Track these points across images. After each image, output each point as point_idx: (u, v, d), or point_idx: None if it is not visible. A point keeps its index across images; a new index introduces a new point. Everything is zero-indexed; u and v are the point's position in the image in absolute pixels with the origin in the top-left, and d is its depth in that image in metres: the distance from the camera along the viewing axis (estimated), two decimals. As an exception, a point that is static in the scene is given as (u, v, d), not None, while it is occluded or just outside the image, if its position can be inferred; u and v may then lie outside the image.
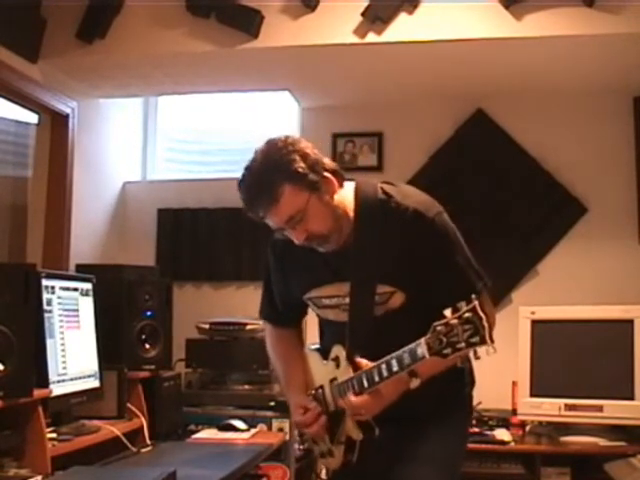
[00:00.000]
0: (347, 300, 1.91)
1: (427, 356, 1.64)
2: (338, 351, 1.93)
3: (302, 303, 2.06)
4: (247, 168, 1.90)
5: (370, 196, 1.89)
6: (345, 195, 1.90)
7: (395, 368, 1.73)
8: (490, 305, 1.89)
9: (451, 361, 1.66)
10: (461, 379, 2.02)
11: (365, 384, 1.81)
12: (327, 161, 1.87)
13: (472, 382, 2.07)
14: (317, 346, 2.12)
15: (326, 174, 1.84)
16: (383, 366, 1.76)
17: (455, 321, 1.59)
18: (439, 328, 1.61)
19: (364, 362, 1.83)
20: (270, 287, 2.14)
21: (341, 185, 1.89)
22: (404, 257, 1.84)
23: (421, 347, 1.65)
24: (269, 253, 2.10)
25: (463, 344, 1.57)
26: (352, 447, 1.92)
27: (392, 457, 1.92)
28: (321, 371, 2.02)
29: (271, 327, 2.20)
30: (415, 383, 1.73)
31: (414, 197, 1.89)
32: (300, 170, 1.79)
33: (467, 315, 1.57)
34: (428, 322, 1.68)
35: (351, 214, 1.89)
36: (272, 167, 1.81)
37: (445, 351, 1.60)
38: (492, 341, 1.56)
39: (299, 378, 2.08)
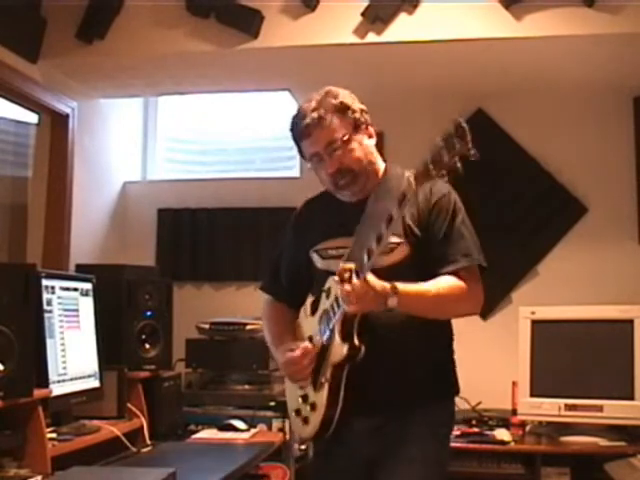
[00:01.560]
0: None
1: (413, 183, 1.68)
2: (332, 281, 1.93)
3: (305, 271, 2.09)
4: (306, 99, 2.05)
5: (398, 170, 2.03)
6: (378, 158, 2.08)
7: (383, 229, 1.75)
8: (479, 282, 1.96)
9: (430, 301, 1.84)
10: (445, 376, 2.04)
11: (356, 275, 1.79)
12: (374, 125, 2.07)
13: (456, 381, 2.08)
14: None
15: (369, 124, 2.04)
16: (370, 242, 1.78)
17: (439, 141, 1.63)
18: (426, 158, 1.66)
19: (351, 265, 1.82)
20: (277, 261, 2.23)
21: (378, 147, 2.06)
22: (415, 220, 1.97)
23: (408, 174, 1.70)
24: (289, 222, 2.27)
25: (446, 157, 1.61)
26: (336, 391, 1.91)
27: (377, 454, 1.95)
28: (309, 325, 2.06)
29: (270, 300, 2.26)
30: (392, 301, 1.79)
31: (435, 181, 1.98)
32: (351, 106, 2.01)
33: (450, 132, 1.63)
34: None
35: (378, 174, 2.05)
36: (329, 97, 2.01)
37: (431, 167, 1.63)
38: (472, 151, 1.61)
39: (289, 337, 2.12)
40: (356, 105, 2.03)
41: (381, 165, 2.08)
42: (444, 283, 1.91)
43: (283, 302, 2.23)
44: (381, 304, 1.81)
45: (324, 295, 1.97)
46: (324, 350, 1.95)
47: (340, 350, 1.88)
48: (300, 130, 2.00)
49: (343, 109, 1.99)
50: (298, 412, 2.06)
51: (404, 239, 1.95)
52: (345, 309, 1.84)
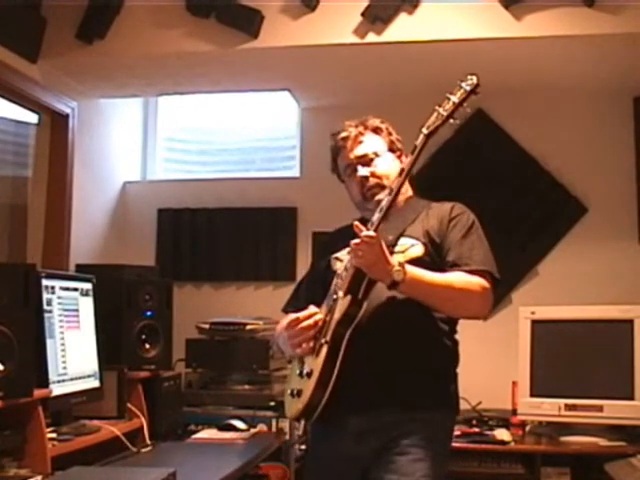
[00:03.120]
0: None
1: (425, 131, 1.93)
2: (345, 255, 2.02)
3: (322, 284, 2.11)
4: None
5: (423, 202, 2.20)
6: (407, 186, 2.21)
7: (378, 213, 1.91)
8: (492, 295, 1.99)
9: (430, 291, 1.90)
10: (445, 375, 2.05)
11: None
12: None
13: (455, 377, 2.09)
14: None
15: (402, 154, 2.18)
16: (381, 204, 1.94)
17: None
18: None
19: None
20: (302, 285, 2.32)
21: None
22: (434, 230, 2.07)
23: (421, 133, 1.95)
24: (322, 244, 2.43)
25: (455, 98, 1.92)
26: (331, 366, 1.90)
27: (371, 454, 1.95)
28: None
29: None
30: (398, 275, 1.85)
31: (454, 202, 2.18)
32: (387, 129, 2.22)
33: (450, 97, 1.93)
34: None
35: (404, 195, 2.15)
36: (369, 119, 2.21)
37: (437, 118, 1.93)
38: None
39: None
40: (393, 131, 2.23)
41: (409, 191, 2.21)
42: (456, 276, 1.95)
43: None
44: (387, 273, 1.85)
45: (339, 265, 2.06)
46: (330, 313, 1.96)
47: (343, 304, 1.91)
48: (338, 142, 2.16)
49: (380, 130, 2.19)
50: (292, 392, 2.04)
51: (421, 242, 2.02)
52: (353, 262, 1.90)
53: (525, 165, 3.76)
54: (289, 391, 2.07)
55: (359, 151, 2.14)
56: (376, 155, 2.14)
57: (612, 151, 3.71)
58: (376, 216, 1.91)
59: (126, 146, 4.15)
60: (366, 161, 2.13)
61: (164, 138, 4.38)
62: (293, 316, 2.03)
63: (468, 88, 1.90)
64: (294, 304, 2.25)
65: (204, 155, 4.36)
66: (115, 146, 4.03)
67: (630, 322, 3.12)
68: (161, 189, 4.19)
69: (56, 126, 3.48)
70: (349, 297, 1.90)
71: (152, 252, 4.08)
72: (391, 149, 2.18)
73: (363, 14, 3.01)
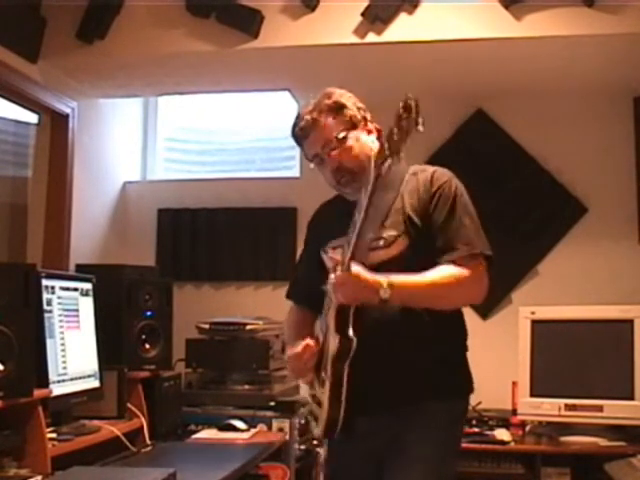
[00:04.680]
0: None
1: (372, 164, 1.72)
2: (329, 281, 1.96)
3: (319, 272, 2.07)
4: (306, 102, 2.09)
5: (402, 164, 2.01)
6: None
7: (355, 218, 1.79)
8: (481, 270, 1.94)
9: (426, 289, 1.84)
10: (453, 375, 2.03)
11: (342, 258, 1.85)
12: (373, 121, 2.08)
13: (470, 387, 2.07)
14: None
15: (368, 121, 2.05)
16: (350, 232, 1.82)
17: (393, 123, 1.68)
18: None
19: (338, 257, 1.88)
20: (298, 267, 2.30)
21: (380, 142, 2.01)
22: (414, 209, 1.97)
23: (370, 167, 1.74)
24: (310, 220, 2.29)
25: (395, 129, 1.65)
26: (337, 397, 1.91)
27: (382, 454, 1.95)
28: (319, 322, 2.06)
29: (292, 306, 2.28)
30: (385, 292, 1.80)
31: (436, 167, 2.08)
32: (345, 104, 2.04)
33: (398, 112, 1.66)
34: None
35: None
36: (325, 98, 2.05)
37: (386, 147, 1.68)
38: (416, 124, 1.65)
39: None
40: (351, 103, 2.05)
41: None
42: (440, 272, 1.89)
43: (304, 305, 2.23)
44: (373, 295, 1.81)
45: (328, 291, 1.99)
46: (325, 346, 1.96)
47: (333, 342, 1.88)
48: (298, 133, 2.05)
49: (337, 108, 2.02)
50: (311, 412, 2.08)
51: (403, 231, 1.95)
52: (333, 300, 1.86)
53: (525, 165, 3.76)
54: (309, 413, 2.12)
55: (320, 141, 2.01)
56: (338, 140, 1.99)
57: (612, 151, 3.71)
58: (347, 251, 1.81)
59: (126, 146, 4.15)
60: (330, 149, 2.00)
61: (164, 138, 4.38)
62: (290, 352, 2.04)
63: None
64: (296, 290, 2.27)
65: (204, 155, 4.36)
66: (115, 146, 4.03)
67: (630, 322, 3.13)
68: (161, 189, 4.19)
69: (56, 126, 3.48)
70: (338, 337, 1.86)
71: (152, 252, 4.08)
72: (354, 124, 2.02)
73: (363, 14, 3.01)
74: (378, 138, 2.01)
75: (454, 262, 1.90)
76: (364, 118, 2.05)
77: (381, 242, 1.95)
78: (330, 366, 1.91)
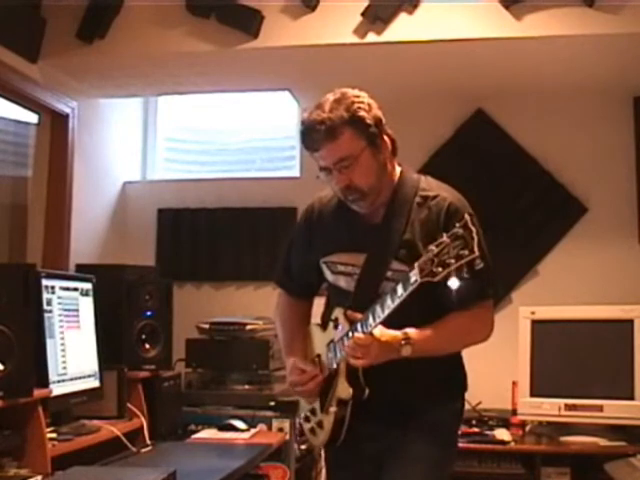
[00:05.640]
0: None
1: (419, 279, 1.63)
2: (338, 312, 1.94)
3: (316, 273, 2.07)
4: (318, 104, 1.92)
5: (414, 179, 1.99)
6: (392, 169, 1.98)
7: (389, 302, 1.74)
8: (490, 312, 1.95)
9: (446, 343, 1.83)
10: (450, 378, 2.04)
11: (361, 328, 1.81)
12: (389, 130, 1.96)
13: (465, 386, 2.09)
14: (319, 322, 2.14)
15: (385, 136, 1.93)
16: (377, 307, 1.77)
17: (447, 239, 1.59)
18: (431, 248, 1.62)
19: (359, 315, 1.85)
20: (289, 255, 2.17)
21: (394, 157, 1.98)
22: (428, 242, 1.77)
23: (414, 272, 1.65)
24: (301, 217, 2.16)
25: (453, 260, 1.57)
26: (341, 420, 1.93)
27: (381, 456, 1.95)
28: (320, 340, 2.05)
29: (283, 294, 2.23)
30: (407, 350, 1.78)
31: (453, 193, 1.97)
32: (365, 119, 1.87)
33: (458, 231, 1.58)
34: (430, 310, 1.80)
35: (393, 182, 1.97)
36: (342, 107, 1.87)
37: (435, 269, 1.60)
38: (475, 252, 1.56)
39: (300, 344, 2.11)
40: (371, 115, 1.89)
41: (397, 171, 1.99)
42: (455, 321, 1.88)
43: (296, 295, 2.21)
44: (395, 355, 1.80)
45: (332, 324, 1.97)
46: (331, 377, 1.96)
47: (345, 390, 1.89)
48: (309, 143, 1.89)
49: (353, 122, 1.85)
50: (307, 419, 2.09)
51: (412, 269, 1.79)
52: (350, 362, 1.84)
53: (525, 165, 3.76)
54: (303, 418, 2.12)
55: (333, 156, 1.86)
56: (353, 158, 1.86)
57: (612, 151, 3.71)
58: (371, 321, 1.77)
59: (126, 146, 4.15)
60: (343, 166, 1.86)
61: (164, 138, 4.38)
62: (296, 379, 2.03)
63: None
64: (287, 284, 2.19)
65: (204, 155, 4.36)
66: (115, 146, 4.03)
67: (630, 322, 3.13)
68: (161, 189, 4.19)
69: (56, 126, 3.48)
70: (351, 390, 1.87)
71: (152, 252, 4.08)
72: (371, 141, 1.88)
73: (363, 14, 3.01)
74: (392, 150, 1.95)
75: (466, 308, 1.88)
76: (381, 132, 1.91)
77: (390, 274, 1.88)
78: (335, 404, 1.93)
